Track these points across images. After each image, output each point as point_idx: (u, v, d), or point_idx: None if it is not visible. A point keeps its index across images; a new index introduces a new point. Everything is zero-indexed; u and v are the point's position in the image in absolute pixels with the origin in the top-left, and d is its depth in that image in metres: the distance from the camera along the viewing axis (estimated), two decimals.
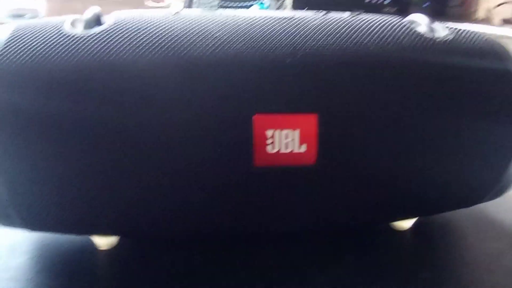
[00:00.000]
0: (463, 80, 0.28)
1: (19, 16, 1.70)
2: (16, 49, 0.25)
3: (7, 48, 0.25)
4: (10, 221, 0.27)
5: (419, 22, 0.30)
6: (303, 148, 0.25)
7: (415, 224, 0.34)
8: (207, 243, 0.32)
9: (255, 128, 0.25)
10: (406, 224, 0.34)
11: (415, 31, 0.29)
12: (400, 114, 0.27)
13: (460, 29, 0.30)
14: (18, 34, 0.26)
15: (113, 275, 0.30)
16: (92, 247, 0.31)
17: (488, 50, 0.29)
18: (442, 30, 0.30)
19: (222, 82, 0.25)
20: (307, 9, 0.32)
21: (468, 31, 0.30)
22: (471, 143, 0.29)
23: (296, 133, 0.25)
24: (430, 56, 0.28)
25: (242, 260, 0.31)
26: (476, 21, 1.16)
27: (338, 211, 0.29)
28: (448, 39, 0.29)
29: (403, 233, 0.34)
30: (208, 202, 0.27)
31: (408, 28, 0.29)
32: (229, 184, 0.26)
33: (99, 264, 0.31)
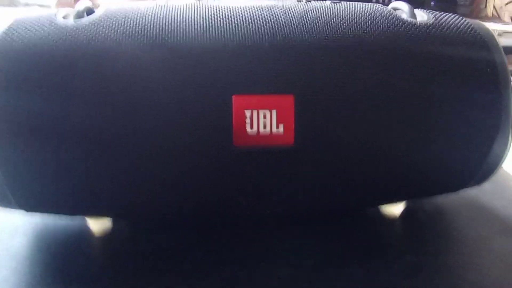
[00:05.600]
0: (443, 63, 0.29)
1: None
2: (11, 40, 0.27)
3: (3, 38, 0.27)
4: (7, 202, 0.29)
5: (401, 8, 0.31)
6: (281, 129, 0.26)
7: (405, 211, 0.34)
8: (198, 227, 0.33)
9: (234, 109, 0.26)
10: (395, 210, 0.34)
11: (395, 15, 0.30)
12: (378, 95, 0.27)
13: (442, 14, 0.31)
14: (15, 26, 0.28)
15: (106, 258, 0.31)
16: (88, 232, 0.32)
17: (468, 32, 0.30)
18: (424, 15, 0.31)
19: (201, 66, 0.26)
20: None
21: (451, 15, 0.31)
22: (453, 125, 0.29)
23: (274, 113, 0.26)
24: (409, 39, 0.29)
25: (229, 243, 0.32)
26: (486, 18, 1.15)
27: (320, 193, 0.29)
28: (428, 23, 0.30)
29: (392, 219, 0.34)
30: (192, 182, 0.28)
31: (389, 13, 0.30)
32: (211, 164, 0.27)
33: (94, 248, 0.32)
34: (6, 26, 0.28)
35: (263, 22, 0.28)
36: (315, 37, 0.27)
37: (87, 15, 0.29)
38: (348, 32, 0.28)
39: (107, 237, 0.32)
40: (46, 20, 0.28)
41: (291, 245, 0.31)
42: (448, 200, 0.36)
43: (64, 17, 0.28)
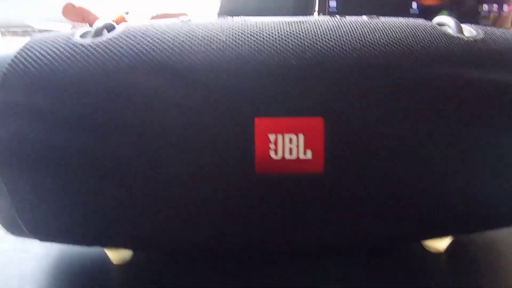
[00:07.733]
0: (496, 81, 0.25)
1: None
2: (23, 61, 0.26)
3: (16, 60, 0.26)
4: (20, 232, 0.27)
5: (447, 23, 0.28)
6: (309, 154, 0.24)
7: (451, 245, 0.31)
8: (220, 259, 0.30)
9: (256, 132, 0.23)
10: (440, 245, 0.30)
11: (441, 31, 0.27)
12: (422, 118, 0.24)
13: (491, 28, 0.28)
14: (28, 46, 0.27)
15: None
16: (106, 261, 0.30)
17: None
18: (473, 30, 0.28)
19: (220, 87, 0.24)
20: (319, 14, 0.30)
21: (501, 29, 0.28)
22: (499, 151, 0.25)
23: (301, 138, 0.24)
24: (458, 56, 0.25)
25: (251, 276, 0.29)
26: None
27: (352, 226, 0.26)
28: (478, 38, 0.27)
29: (437, 255, 0.31)
30: (211, 212, 0.25)
31: (433, 28, 0.27)
32: (230, 193, 0.24)
33: (113, 280, 0.30)
34: (20, 46, 0.27)
35: (291, 38, 0.25)
36: (348, 55, 0.25)
37: (108, 32, 0.27)
38: (388, 49, 0.25)
39: (126, 266, 0.30)
40: (62, 39, 0.27)
41: (324, 282, 0.29)
42: (500, 233, 0.33)
43: (81, 36, 0.27)
